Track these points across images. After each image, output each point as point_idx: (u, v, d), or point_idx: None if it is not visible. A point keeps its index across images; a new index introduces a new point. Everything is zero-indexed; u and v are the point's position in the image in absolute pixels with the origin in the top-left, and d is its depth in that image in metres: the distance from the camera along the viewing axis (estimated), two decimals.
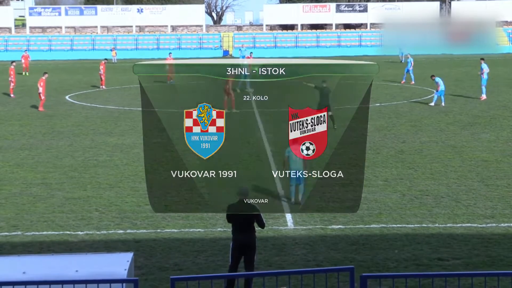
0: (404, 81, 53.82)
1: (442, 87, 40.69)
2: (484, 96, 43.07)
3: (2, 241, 17.57)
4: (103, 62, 54.97)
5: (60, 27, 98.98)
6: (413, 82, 53.16)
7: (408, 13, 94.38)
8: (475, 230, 18.31)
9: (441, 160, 26.25)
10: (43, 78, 41.20)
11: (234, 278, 12.79)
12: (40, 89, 40.64)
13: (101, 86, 53.19)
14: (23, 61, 66.79)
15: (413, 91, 47.11)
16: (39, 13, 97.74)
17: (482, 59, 45.43)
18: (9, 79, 48.18)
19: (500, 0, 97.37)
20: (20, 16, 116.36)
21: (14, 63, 49.44)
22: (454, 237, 17.68)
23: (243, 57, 77.82)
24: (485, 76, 43.57)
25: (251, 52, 69.37)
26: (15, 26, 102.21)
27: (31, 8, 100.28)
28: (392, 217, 19.37)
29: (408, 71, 54.14)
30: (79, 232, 18.48)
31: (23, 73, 64.68)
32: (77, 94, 48.96)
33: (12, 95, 47.46)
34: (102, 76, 53.29)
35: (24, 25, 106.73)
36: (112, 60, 79.90)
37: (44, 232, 18.56)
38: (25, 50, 75.70)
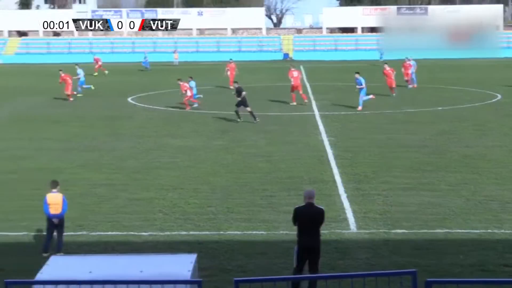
0: (415, 85, 52.46)
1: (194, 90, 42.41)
2: (360, 107, 40.19)
3: (68, 240, 17.80)
4: (229, 63, 55.59)
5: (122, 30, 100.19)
6: (415, 86, 52.09)
7: (468, 15, 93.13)
8: None
9: (506, 165, 25.77)
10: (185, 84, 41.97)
11: (298, 280, 12.77)
12: (189, 93, 41.69)
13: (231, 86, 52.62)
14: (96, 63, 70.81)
15: (474, 95, 46.41)
16: (101, 16, 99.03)
17: (357, 72, 41.52)
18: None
19: None
20: None
21: (62, 73, 49.60)
22: None
23: (147, 64, 75.36)
24: (361, 88, 40.48)
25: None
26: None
27: (93, 11, 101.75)
28: (457, 222, 19.10)
29: (412, 73, 53.03)
30: (143, 233, 18.64)
31: (105, 72, 68.12)
32: (139, 96, 49.45)
33: (70, 99, 47.62)
34: (231, 77, 53.74)
35: None
36: (174, 62, 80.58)
37: (109, 233, 18.79)
38: (94, 54, 77.85)
